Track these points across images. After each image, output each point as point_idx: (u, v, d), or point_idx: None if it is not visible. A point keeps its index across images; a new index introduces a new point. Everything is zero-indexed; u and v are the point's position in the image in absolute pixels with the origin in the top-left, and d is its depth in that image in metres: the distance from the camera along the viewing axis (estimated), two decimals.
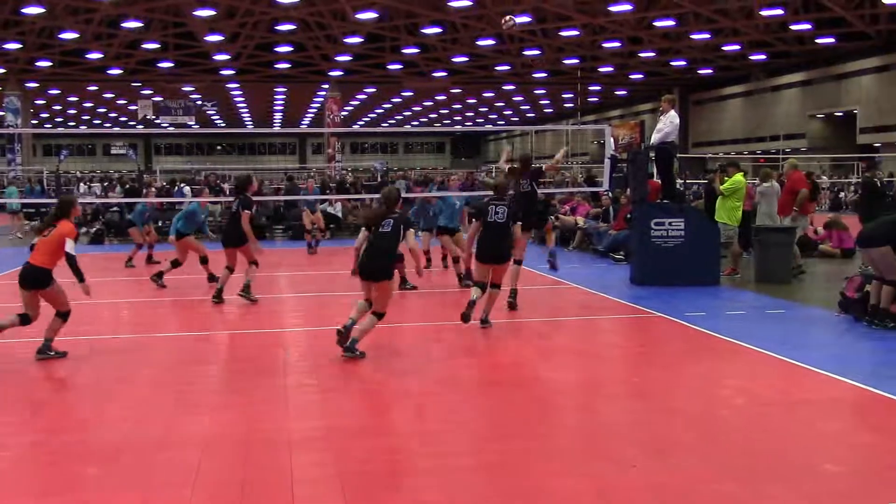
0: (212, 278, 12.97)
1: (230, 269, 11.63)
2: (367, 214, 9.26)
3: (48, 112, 68.72)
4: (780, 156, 40.28)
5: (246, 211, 11.28)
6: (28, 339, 9.29)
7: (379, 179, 31.04)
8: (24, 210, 28.06)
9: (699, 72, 49.85)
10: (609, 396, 7.34)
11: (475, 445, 5.79)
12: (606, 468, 5.36)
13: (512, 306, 10.87)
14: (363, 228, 10.92)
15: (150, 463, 5.47)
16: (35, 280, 8.18)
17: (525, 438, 6.05)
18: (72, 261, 8.10)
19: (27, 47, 40.17)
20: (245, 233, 11.26)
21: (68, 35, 38.36)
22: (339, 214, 23.12)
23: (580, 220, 19.34)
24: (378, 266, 8.30)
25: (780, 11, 35.72)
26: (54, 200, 11.93)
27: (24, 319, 8.26)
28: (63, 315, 8.37)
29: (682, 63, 47.65)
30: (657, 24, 38.57)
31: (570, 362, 8.60)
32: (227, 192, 25.04)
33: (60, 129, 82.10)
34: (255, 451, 5.70)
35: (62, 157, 44.61)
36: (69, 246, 8.10)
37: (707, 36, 40.28)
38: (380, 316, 8.26)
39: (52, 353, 8.33)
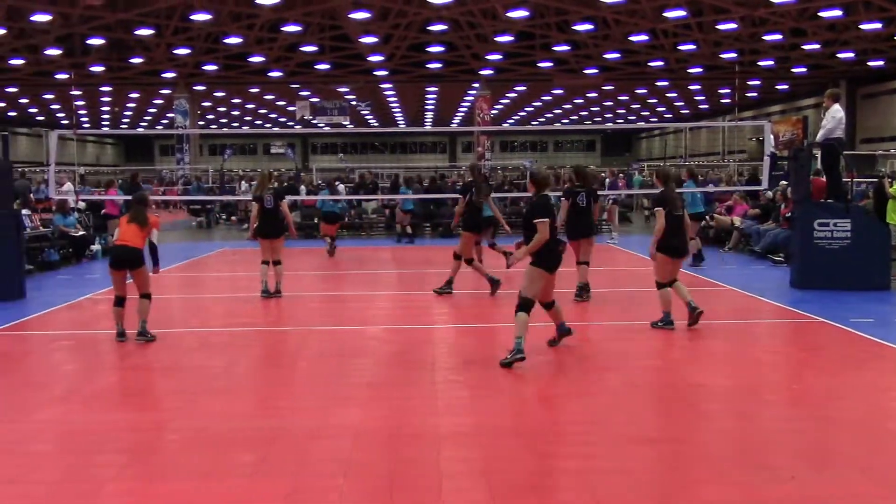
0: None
1: (585, 263, 11.58)
2: None
3: (213, 113, 72.39)
4: None
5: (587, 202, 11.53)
6: (194, 328, 9.83)
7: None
8: (191, 207, 29.86)
9: (869, 64, 47.09)
10: (766, 403, 7.05)
11: (621, 449, 5.70)
12: (759, 477, 5.16)
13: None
14: None
15: (303, 451, 5.69)
16: None
17: (673, 443, 5.91)
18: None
19: (195, 52, 42.45)
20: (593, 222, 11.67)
21: (233, 40, 40.32)
22: None
23: (737, 220, 18.65)
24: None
25: None
26: (220, 197, 12.57)
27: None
28: None
29: (850, 55, 45.12)
30: (823, 14, 36.72)
31: (723, 367, 8.33)
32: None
33: (225, 130, 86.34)
34: (405, 444, 5.82)
35: (226, 156, 46.99)
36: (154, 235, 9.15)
37: (878, 26, 37.96)
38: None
39: None
